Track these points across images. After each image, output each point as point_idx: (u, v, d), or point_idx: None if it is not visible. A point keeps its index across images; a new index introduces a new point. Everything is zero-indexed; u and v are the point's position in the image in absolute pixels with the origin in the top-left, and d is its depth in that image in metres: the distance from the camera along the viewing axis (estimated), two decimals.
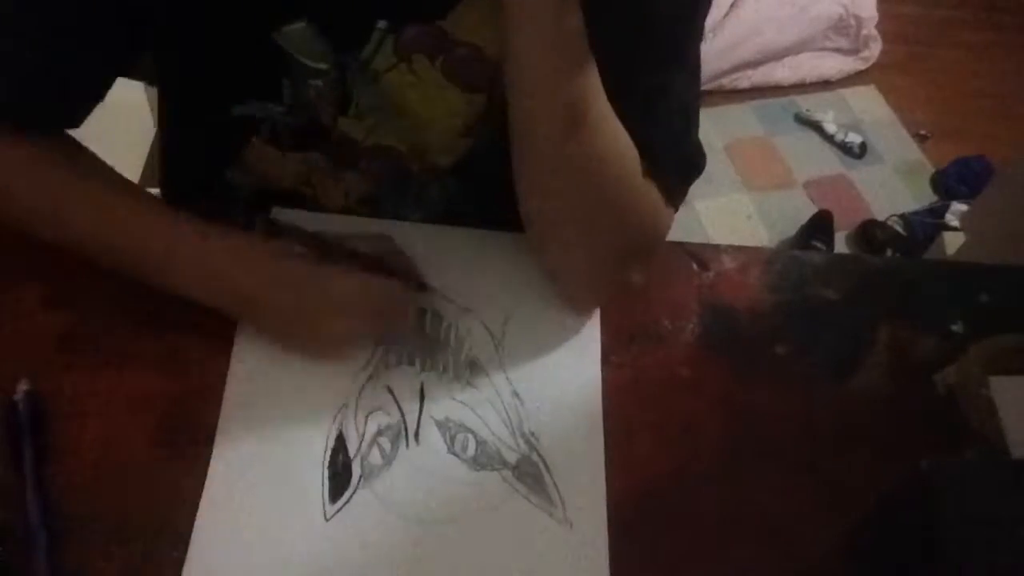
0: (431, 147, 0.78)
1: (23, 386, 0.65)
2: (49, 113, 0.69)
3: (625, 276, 0.75)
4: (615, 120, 0.65)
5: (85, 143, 0.72)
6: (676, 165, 0.73)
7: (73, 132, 0.72)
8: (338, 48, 0.69)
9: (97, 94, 0.71)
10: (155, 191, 0.94)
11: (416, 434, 0.68)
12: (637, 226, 0.71)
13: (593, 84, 0.62)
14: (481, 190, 0.78)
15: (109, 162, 0.73)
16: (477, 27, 0.67)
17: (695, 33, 0.72)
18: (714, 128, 2.36)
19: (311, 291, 0.67)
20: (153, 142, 1.08)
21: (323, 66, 0.70)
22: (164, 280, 0.68)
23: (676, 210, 0.75)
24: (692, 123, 0.74)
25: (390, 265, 0.73)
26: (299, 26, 0.67)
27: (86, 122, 0.72)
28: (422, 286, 0.74)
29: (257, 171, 0.80)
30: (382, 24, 0.67)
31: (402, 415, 0.69)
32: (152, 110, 0.96)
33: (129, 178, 0.75)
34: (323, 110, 0.74)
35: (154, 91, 0.86)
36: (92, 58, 0.69)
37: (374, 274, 0.70)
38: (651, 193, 0.70)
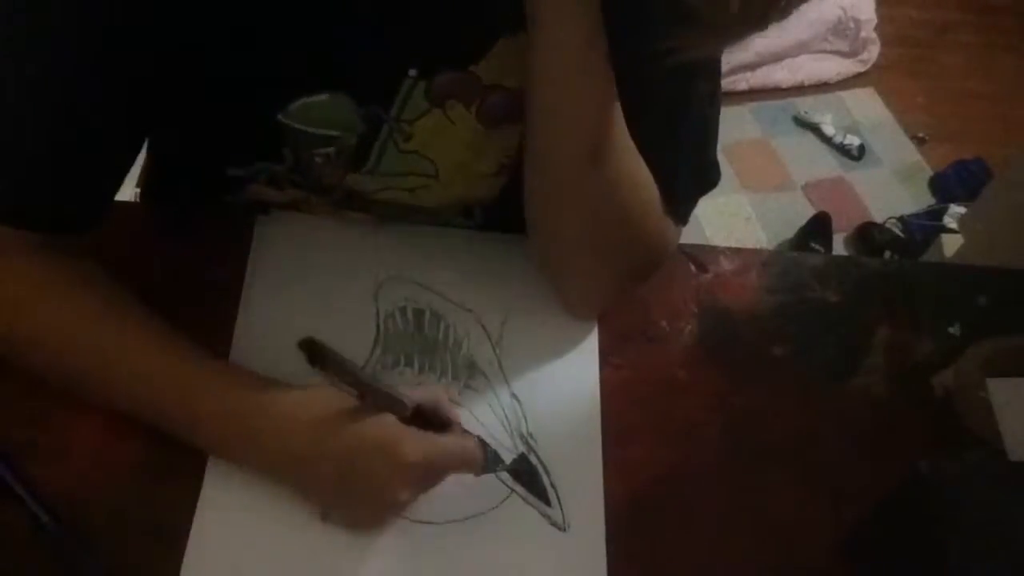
0: (459, 199, 0.77)
1: None
2: (66, 214, 0.63)
3: (626, 288, 0.76)
4: (633, 148, 0.65)
5: None
6: (689, 181, 0.72)
7: None
8: (364, 104, 0.65)
9: (112, 190, 0.65)
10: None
11: None
12: (645, 248, 0.71)
13: (615, 115, 0.62)
14: (494, 215, 0.79)
15: None
16: (508, 69, 0.65)
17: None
18: None
19: (367, 450, 0.59)
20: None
21: (334, 133, 0.66)
22: (187, 437, 0.63)
23: (684, 225, 0.74)
24: (710, 138, 0.73)
25: (442, 418, 0.65)
26: (321, 98, 0.63)
27: None
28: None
29: (251, 199, 0.76)
30: (412, 73, 0.64)
31: None
32: None
33: (127, 181, 0.72)
34: (328, 174, 0.71)
35: None
36: (108, 151, 0.63)
37: (438, 433, 0.62)
38: (662, 217, 0.70)
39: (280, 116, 0.64)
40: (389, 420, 0.60)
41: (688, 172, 0.72)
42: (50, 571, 0.59)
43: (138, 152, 0.67)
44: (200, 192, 0.76)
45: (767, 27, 0.51)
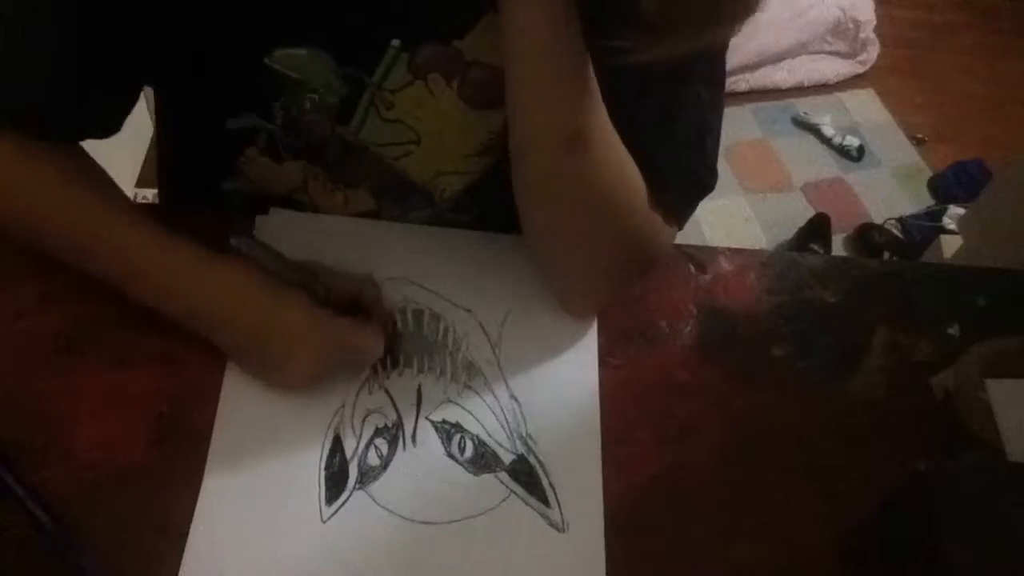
0: (441, 171, 0.77)
1: None
2: (82, 120, 0.67)
3: (622, 289, 0.76)
4: (616, 139, 0.64)
5: (84, 142, 0.71)
6: (682, 183, 0.72)
7: None
8: (348, 70, 0.67)
9: (130, 99, 0.69)
10: (153, 192, 0.94)
11: (413, 436, 0.68)
12: (635, 243, 0.70)
13: (594, 102, 0.62)
14: (489, 208, 0.79)
15: (107, 162, 0.72)
16: (490, 46, 0.65)
17: (718, 49, 0.70)
18: None
19: (274, 327, 0.65)
20: (151, 143, 1.08)
21: (316, 88, 0.68)
22: (122, 289, 0.66)
23: (680, 228, 0.74)
24: (708, 140, 0.72)
25: (364, 307, 0.70)
26: (300, 52, 0.66)
27: None
28: (392, 336, 0.72)
29: (253, 180, 0.79)
30: (395, 43, 0.65)
31: (399, 417, 0.69)
32: (151, 111, 0.96)
33: (127, 177, 0.74)
34: (317, 125, 0.72)
35: (151, 92, 0.87)
36: (122, 60, 0.66)
37: (345, 318, 0.67)
38: (652, 212, 0.69)
39: (266, 60, 0.66)
40: (299, 301, 0.65)
41: (681, 175, 0.71)
42: (50, 572, 0.59)
43: (140, 78, 0.69)
44: (204, 166, 0.79)
45: (719, 33, 0.55)
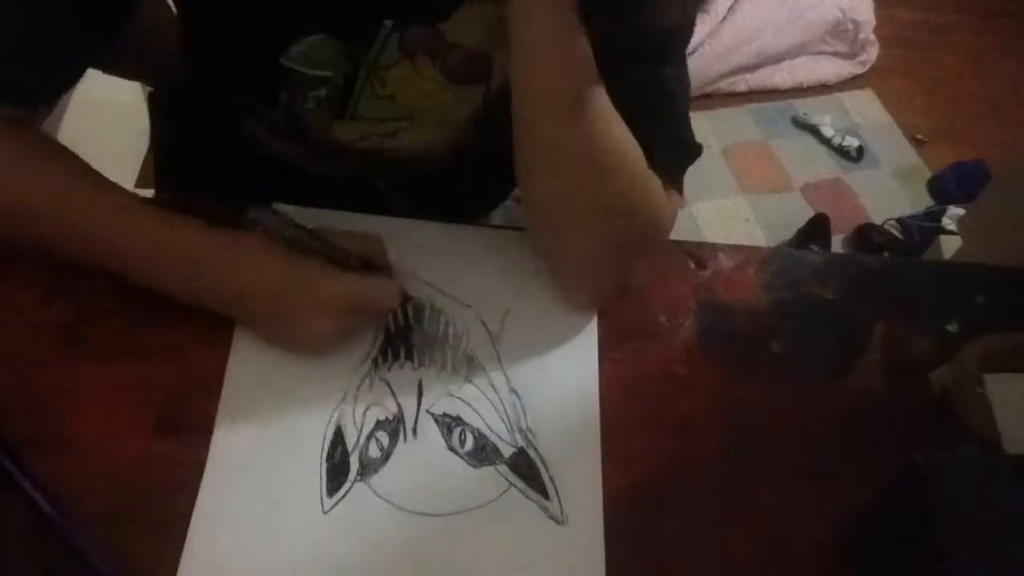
0: (430, 141, 0.80)
1: None
2: (23, 84, 0.67)
3: (625, 272, 0.76)
4: (616, 115, 0.66)
5: (84, 142, 0.71)
6: (671, 150, 0.73)
7: (71, 130, 0.72)
8: (349, 50, 0.71)
9: (77, 71, 0.70)
10: (152, 192, 0.95)
11: (414, 429, 0.69)
12: (637, 217, 0.70)
13: (592, 72, 0.63)
14: (459, 182, 0.85)
15: (107, 162, 0.72)
16: (468, 29, 0.72)
17: (688, 33, 0.75)
18: (712, 131, 2.36)
19: (290, 287, 0.67)
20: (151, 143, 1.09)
21: (328, 73, 0.73)
22: (130, 271, 0.67)
23: (681, 194, 0.75)
24: (685, 116, 0.76)
25: (376, 265, 0.73)
26: (317, 37, 0.70)
27: (84, 122, 0.72)
28: (404, 296, 0.74)
29: (256, 146, 0.83)
30: (388, 23, 0.70)
31: (400, 410, 0.69)
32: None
33: (127, 176, 0.75)
34: (319, 120, 0.76)
35: (149, 91, 0.88)
36: (72, 29, 0.67)
37: (358, 273, 0.70)
38: (653, 187, 0.70)
39: (283, 59, 0.71)
40: (311, 262, 0.67)
41: (670, 143, 0.73)
42: (54, 562, 0.59)
43: (100, 44, 0.69)
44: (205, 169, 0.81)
45: None
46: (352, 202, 0.80)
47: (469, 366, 0.72)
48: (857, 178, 2.37)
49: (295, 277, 0.67)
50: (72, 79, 0.70)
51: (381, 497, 0.65)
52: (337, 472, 0.66)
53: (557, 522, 0.66)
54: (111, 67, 0.99)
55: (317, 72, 0.73)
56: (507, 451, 0.68)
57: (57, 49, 0.66)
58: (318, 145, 0.81)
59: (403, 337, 0.73)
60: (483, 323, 0.75)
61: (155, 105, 0.96)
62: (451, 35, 0.73)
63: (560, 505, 0.66)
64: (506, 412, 0.70)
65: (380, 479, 0.66)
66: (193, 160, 0.94)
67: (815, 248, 2.13)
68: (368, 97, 0.77)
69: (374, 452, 0.67)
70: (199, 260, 0.67)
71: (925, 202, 2.32)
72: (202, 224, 0.67)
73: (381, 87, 0.76)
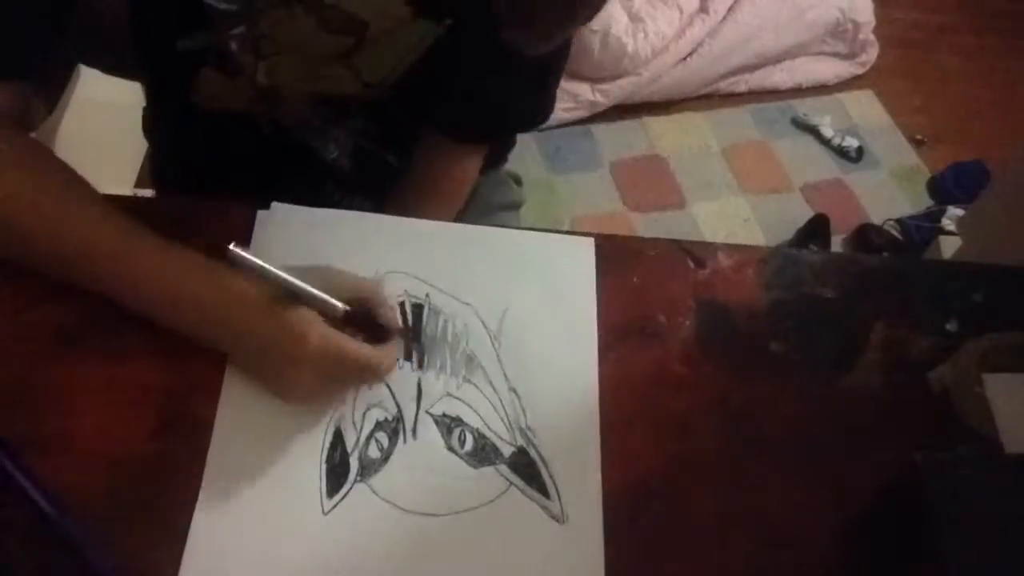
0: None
1: None
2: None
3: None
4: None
5: (84, 142, 0.71)
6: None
7: (71, 130, 0.72)
8: None
9: (48, 43, 0.70)
10: (150, 192, 0.95)
11: (413, 429, 0.69)
12: None
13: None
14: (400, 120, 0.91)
15: (107, 162, 0.72)
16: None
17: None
18: (712, 131, 2.37)
19: (281, 336, 0.64)
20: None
21: (234, 7, 0.73)
22: (123, 299, 0.66)
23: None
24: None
25: (374, 314, 0.69)
26: None
27: (84, 122, 0.72)
28: (405, 349, 0.72)
29: (213, 98, 0.83)
30: None
31: (399, 410, 0.69)
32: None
33: (127, 176, 0.74)
34: (246, 62, 0.78)
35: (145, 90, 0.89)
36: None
37: (354, 334, 0.67)
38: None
39: None
40: (308, 314, 0.65)
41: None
42: (54, 563, 0.59)
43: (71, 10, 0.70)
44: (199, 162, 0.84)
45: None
46: (301, 168, 0.83)
47: (468, 366, 0.72)
48: (857, 178, 2.37)
49: (286, 327, 0.64)
50: (45, 51, 0.70)
51: (381, 497, 0.65)
52: (337, 473, 0.66)
53: (557, 521, 0.66)
54: (111, 68, 0.99)
55: (226, 6, 0.72)
56: (507, 450, 0.68)
57: (23, 17, 0.66)
58: (261, 89, 0.82)
59: (402, 337, 0.73)
60: (482, 322, 0.75)
61: (148, 117, 0.97)
62: None
63: (560, 504, 0.66)
64: (505, 411, 0.70)
65: (380, 480, 0.66)
66: (184, 156, 0.96)
67: (815, 249, 2.13)
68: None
69: (374, 453, 0.67)
70: (196, 297, 0.66)
71: (925, 202, 2.32)
72: (190, 251, 0.66)
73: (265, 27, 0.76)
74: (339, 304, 0.66)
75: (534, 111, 0.93)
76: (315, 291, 0.65)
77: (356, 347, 0.66)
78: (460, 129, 0.92)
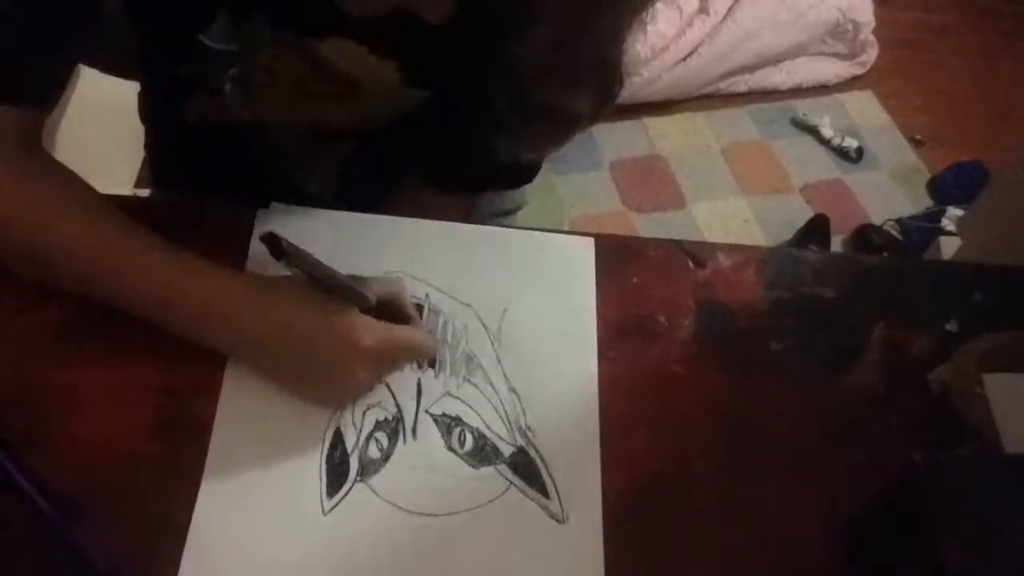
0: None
1: None
2: (24, 85, 0.66)
3: None
4: None
5: (84, 142, 0.71)
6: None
7: (71, 130, 0.72)
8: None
9: (69, 65, 0.69)
10: (146, 192, 0.96)
11: (413, 429, 0.69)
12: None
13: None
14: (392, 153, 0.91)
15: (107, 162, 0.72)
16: (339, 53, 0.73)
17: None
18: (711, 132, 2.37)
19: (327, 336, 0.65)
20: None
21: (232, 48, 0.72)
22: (157, 319, 0.66)
23: None
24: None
25: (403, 310, 0.71)
26: (223, 13, 0.69)
27: (84, 122, 0.71)
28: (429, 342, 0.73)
29: (204, 118, 0.83)
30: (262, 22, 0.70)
31: (399, 410, 0.69)
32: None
33: (127, 176, 0.74)
34: (236, 104, 0.77)
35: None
36: (63, 25, 0.66)
37: (395, 322, 0.69)
38: None
39: (201, 37, 0.69)
40: (349, 310, 0.66)
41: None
42: (53, 564, 0.59)
43: (88, 30, 0.68)
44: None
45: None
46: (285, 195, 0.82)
47: (468, 365, 0.72)
48: (856, 179, 2.37)
49: (331, 325, 0.65)
50: (64, 73, 0.69)
51: (381, 498, 0.65)
52: (337, 473, 0.66)
53: (557, 520, 0.66)
54: (111, 68, 0.99)
55: (221, 47, 0.71)
56: (507, 450, 0.68)
57: (45, 40, 0.65)
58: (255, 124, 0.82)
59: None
60: (482, 322, 0.75)
61: (143, 104, 0.97)
62: (324, 50, 0.74)
63: (560, 504, 0.66)
64: (505, 411, 0.70)
65: (380, 480, 0.66)
66: (177, 152, 0.96)
67: (815, 249, 2.13)
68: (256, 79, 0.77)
69: (374, 453, 0.67)
70: (223, 309, 0.66)
71: (924, 203, 2.32)
72: (222, 271, 0.66)
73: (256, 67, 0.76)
74: (371, 295, 0.67)
75: (521, 170, 0.94)
76: (350, 283, 0.66)
77: (405, 332, 0.69)
78: (444, 181, 0.93)
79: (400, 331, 0.68)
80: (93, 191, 0.69)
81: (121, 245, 0.65)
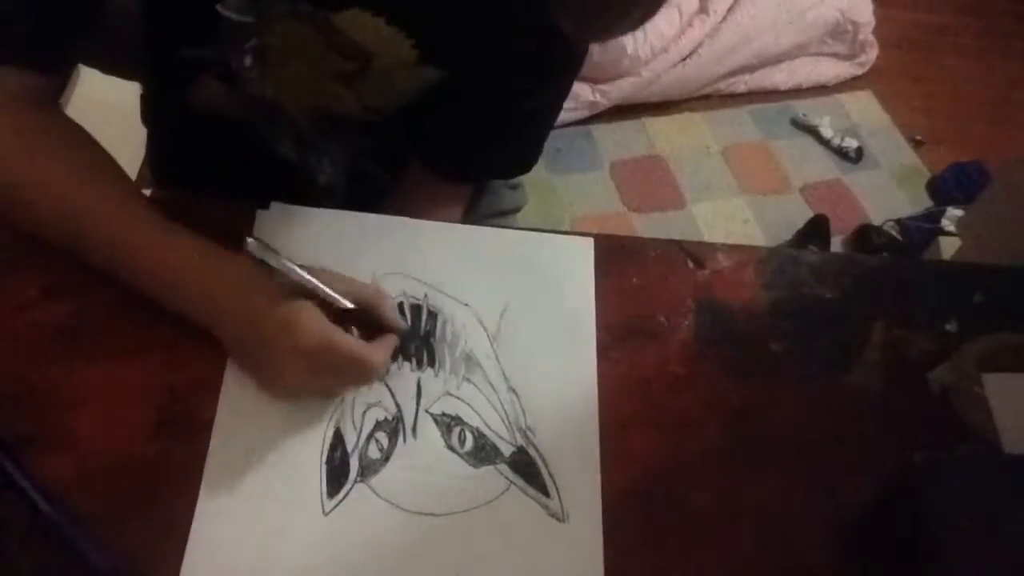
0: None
1: None
2: (45, 48, 0.67)
3: None
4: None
5: None
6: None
7: None
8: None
9: (88, 31, 0.69)
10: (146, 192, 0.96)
11: (413, 429, 0.69)
12: None
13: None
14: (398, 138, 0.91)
15: None
16: (355, 24, 0.72)
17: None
18: (711, 132, 2.36)
19: (272, 322, 0.64)
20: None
21: (248, 19, 0.71)
22: (123, 276, 0.67)
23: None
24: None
25: (376, 318, 0.69)
26: None
27: (85, 122, 0.72)
28: (404, 349, 0.72)
29: (209, 104, 0.82)
30: None
31: (399, 410, 0.69)
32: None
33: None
34: (254, 77, 0.77)
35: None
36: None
37: (349, 332, 0.66)
38: None
39: (218, 7, 0.68)
40: (300, 304, 0.64)
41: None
42: (54, 562, 0.59)
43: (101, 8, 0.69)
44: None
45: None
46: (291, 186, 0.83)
47: (467, 365, 0.72)
48: (856, 179, 2.37)
49: (274, 314, 0.64)
50: (80, 43, 0.70)
51: (382, 498, 0.65)
52: (337, 473, 0.66)
53: (558, 520, 0.66)
54: (111, 68, 0.99)
55: (240, 18, 0.70)
56: (507, 450, 0.68)
57: (58, 12, 0.66)
58: (261, 101, 0.82)
59: (401, 337, 0.73)
60: (481, 322, 0.75)
61: (146, 106, 0.97)
62: (339, 21, 0.72)
63: (560, 503, 0.67)
64: (505, 411, 0.70)
65: (380, 480, 0.66)
66: (180, 152, 0.96)
67: (814, 249, 2.13)
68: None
69: (374, 453, 0.67)
70: (186, 268, 0.67)
71: (924, 203, 2.32)
72: (194, 235, 0.67)
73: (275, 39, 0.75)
74: (345, 300, 0.66)
75: (521, 159, 0.94)
76: (321, 285, 0.66)
77: (346, 339, 0.65)
78: (445, 167, 0.92)
79: (345, 341, 0.65)
80: (96, 149, 0.71)
81: (102, 193, 0.68)
